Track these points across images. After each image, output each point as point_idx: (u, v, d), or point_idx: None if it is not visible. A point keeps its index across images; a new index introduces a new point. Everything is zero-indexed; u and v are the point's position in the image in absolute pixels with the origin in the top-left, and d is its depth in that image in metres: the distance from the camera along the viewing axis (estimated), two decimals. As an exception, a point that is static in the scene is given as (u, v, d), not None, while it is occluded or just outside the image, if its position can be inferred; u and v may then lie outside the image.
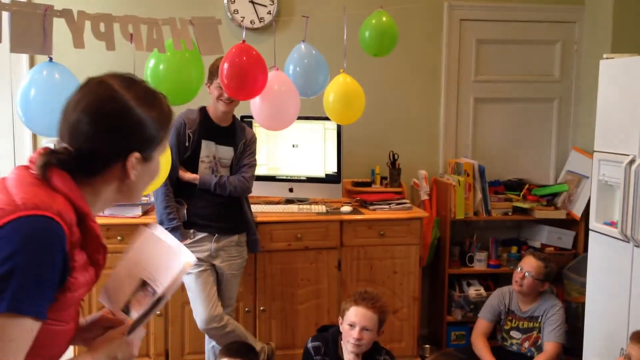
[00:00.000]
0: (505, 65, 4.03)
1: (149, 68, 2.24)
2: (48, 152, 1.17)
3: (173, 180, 2.94)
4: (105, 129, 1.17)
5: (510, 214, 3.82)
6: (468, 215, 3.74)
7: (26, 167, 1.18)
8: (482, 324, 3.33)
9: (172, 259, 1.25)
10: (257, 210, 3.39)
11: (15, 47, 1.62)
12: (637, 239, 2.69)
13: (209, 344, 3.06)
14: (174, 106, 2.43)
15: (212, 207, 3.01)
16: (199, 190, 2.97)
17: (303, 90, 2.74)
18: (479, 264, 3.80)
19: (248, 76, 2.43)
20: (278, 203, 3.62)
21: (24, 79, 1.73)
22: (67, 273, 1.11)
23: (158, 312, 3.25)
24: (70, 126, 1.18)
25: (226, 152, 3.04)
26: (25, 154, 3.54)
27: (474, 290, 3.75)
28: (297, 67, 2.79)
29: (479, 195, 3.76)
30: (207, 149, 3.00)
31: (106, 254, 1.24)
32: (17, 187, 1.12)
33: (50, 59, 1.70)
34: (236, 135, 3.06)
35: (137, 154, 1.20)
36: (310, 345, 2.62)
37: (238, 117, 3.15)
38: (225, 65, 2.42)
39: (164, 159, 2.19)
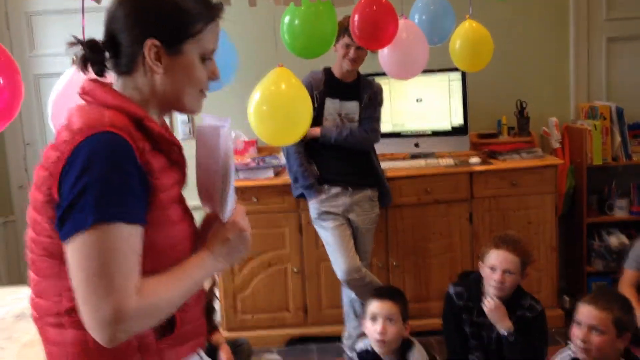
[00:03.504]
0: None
1: (285, 24, 2.30)
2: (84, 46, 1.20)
3: (303, 141, 3.01)
4: (125, 12, 1.17)
5: (652, 157, 3.58)
6: (606, 160, 3.55)
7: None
8: (628, 274, 3.15)
9: (213, 137, 1.27)
10: (384, 166, 3.39)
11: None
12: None
13: (347, 298, 3.13)
14: (310, 59, 2.50)
15: (342, 162, 3.07)
16: (328, 147, 3.04)
17: (430, 38, 2.69)
18: (620, 211, 3.61)
19: (379, 26, 2.43)
20: (404, 159, 3.61)
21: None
22: (149, 176, 1.13)
23: (295, 270, 3.38)
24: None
25: (352, 107, 3.08)
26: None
27: (615, 239, 3.56)
28: (423, 15, 2.75)
29: (618, 139, 3.54)
30: (332, 106, 3.05)
31: (181, 150, 1.26)
32: (73, 118, 1.16)
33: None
34: (361, 88, 3.09)
35: (155, 41, 1.17)
36: (452, 290, 2.62)
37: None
38: (356, 17, 2.43)
39: (304, 113, 2.25)
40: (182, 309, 1.21)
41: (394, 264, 3.42)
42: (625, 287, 3.11)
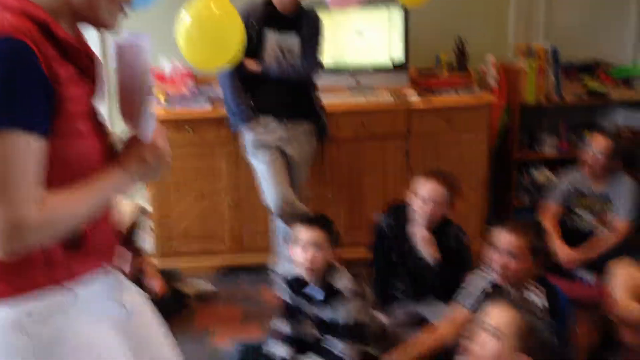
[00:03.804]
0: None
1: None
2: None
3: (239, 70, 2.95)
4: None
5: (584, 97, 3.68)
6: (539, 100, 3.63)
7: None
8: (550, 207, 3.30)
9: (131, 53, 1.24)
10: (323, 100, 3.38)
11: None
12: None
13: (278, 228, 3.13)
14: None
15: (280, 95, 3.04)
16: (265, 79, 2.99)
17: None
18: (549, 149, 3.74)
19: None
20: (343, 93, 3.60)
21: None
22: (54, 84, 1.08)
23: (230, 201, 3.37)
24: None
25: (293, 40, 3.02)
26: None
27: (542, 175, 3.70)
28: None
29: (551, 79, 3.62)
30: (272, 39, 2.98)
31: (95, 62, 1.22)
32: None
33: None
34: (301, 20, 3.02)
35: None
36: (380, 219, 2.68)
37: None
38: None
39: (234, 37, 2.19)
40: (91, 225, 1.20)
41: (329, 196, 3.46)
42: (547, 220, 3.26)
